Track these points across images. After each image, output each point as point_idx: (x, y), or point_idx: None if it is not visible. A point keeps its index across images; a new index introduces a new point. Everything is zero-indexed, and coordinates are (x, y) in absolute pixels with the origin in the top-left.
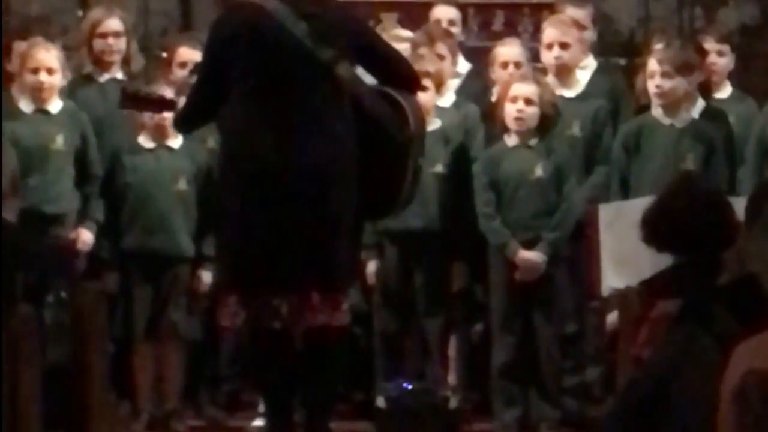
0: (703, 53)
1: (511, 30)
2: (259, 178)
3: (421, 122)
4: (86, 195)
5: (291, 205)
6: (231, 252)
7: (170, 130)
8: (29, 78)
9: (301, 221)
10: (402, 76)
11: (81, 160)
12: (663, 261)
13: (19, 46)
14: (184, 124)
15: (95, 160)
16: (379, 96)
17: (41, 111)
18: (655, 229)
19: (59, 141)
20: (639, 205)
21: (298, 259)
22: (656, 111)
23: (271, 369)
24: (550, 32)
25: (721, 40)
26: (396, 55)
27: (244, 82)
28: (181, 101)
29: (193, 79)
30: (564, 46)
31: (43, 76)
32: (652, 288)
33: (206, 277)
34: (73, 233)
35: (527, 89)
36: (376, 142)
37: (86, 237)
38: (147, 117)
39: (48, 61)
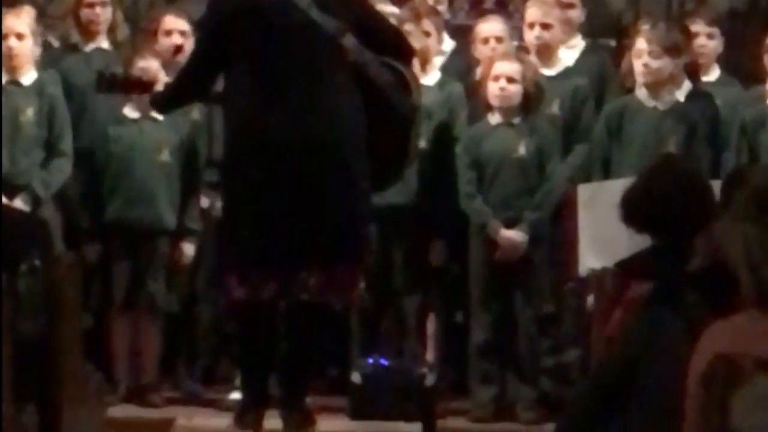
0: (689, 35)
1: (501, 9)
2: (269, 153)
3: (419, 92)
4: (45, 168)
5: (303, 179)
6: (236, 228)
7: None
8: None
9: (315, 195)
10: (397, 48)
11: (50, 134)
12: (640, 242)
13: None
14: (166, 104)
15: (64, 136)
16: (383, 66)
17: (13, 82)
18: (635, 210)
19: (29, 113)
20: (617, 185)
21: (305, 234)
22: (640, 92)
23: (251, 342)
24: (532, 12)
25: (711, 23)
26: (391, 26)
27: (249, 57)
28: (160, 80)
29: (178, 56)
30: (545, 26)
31: (12, 42)
32: (627, 269)
33: (188, 249)
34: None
35: (510, 67)
36: (381, 112)
37: (17, 205)
38: None
39: (18, 26)
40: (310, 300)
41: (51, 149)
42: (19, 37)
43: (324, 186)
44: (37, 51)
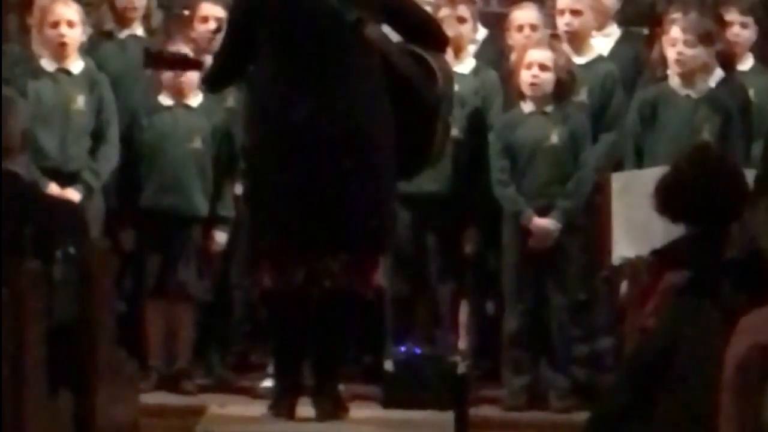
0: (723, 24)
1: None
2: (290, 138)
3: (449, 81)
4: (94, 156)
5: (326, 166)
6: (268, 215)
7: (190, 88)
8: (50, 32)
9: (337, 182)
10: (430, 36)
11: (97, 123)
12: (674, 231)
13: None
14: (214, 83)
15: (111, 124)
16: (408, 55)
17: (63, 70)
18: (669, 199)
19: (80, 102)
20: (651, 174)
21: (332, 221)
22: (673, 80)
23: (285, 330)
24: None
25: (745, 12)
26: (424, 14)
27: (273, 42)
28: (206, 59)
29: (216, 37)
30: (575, 13)
31: (63, 29)
32: (662, 258)
33: (220, 237)
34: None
35: (542, 55)
36: (406, 101)
37: (71, 195)
38: (167, 75)
39: (68, 14)
40: (332, 287)
41: (98, 137)
42: (70, 24)
43: (346, 173)
44: (84, 39)
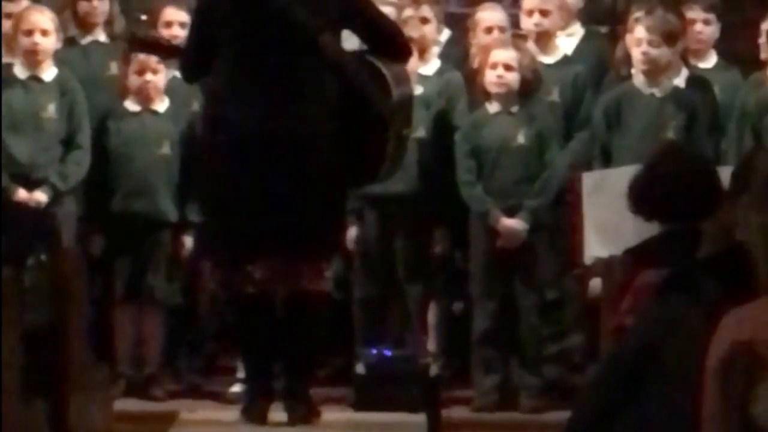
0: (686, 21)
1: None
2: (238, 142)
3: (407, 91)
4: (63, 161)
5: (271, 171)
6: (212, 216)
7: (157, 93)
8: (23, 40)
9: (281, 187)
10: (392, 44)
11: (69, 129)
12: (647, 230)
13: (8, 7)
14: (187, 78)
15: (83, 130)
16: (363, 65)
17: (35, 78)
18: (643, 198)
19: (50, 110)
20: (623, 173)
21: (278, 225)
22: (638, 79)
23: (252, 334)
24: None
25: (707, 9)
26: (386, 21)
27: (230, 45)
28: None
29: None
30: (544, 13)
31: (37, 38)
32: (636, 257)
33: (188, 241)
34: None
35: (507, 55)
36: (359, 110)
37: (38, 197)
38: (134, 80)
39: (42, 22)
40: (280, 291)
41: (69, 143)
42: (44, 33)
43: (292, 179)
44: (58, 45)
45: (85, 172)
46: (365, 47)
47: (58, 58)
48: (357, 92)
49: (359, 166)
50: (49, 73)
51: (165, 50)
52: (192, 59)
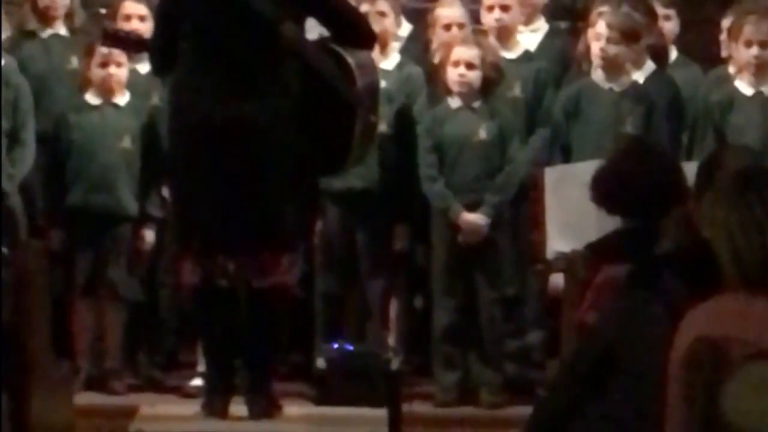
0: (654, 17)
1: None
2: (200, 134)
3: (372, 79)
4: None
5: (232, 163)
6: (177, 209)
7: (119, 86)
8: None
9: (243, 180)
10: (356, 32)
11: (13, 124)
12: (608, 225)
13: None
14: (157, 72)
15: (27, 126)
16: (326, 54)
17: None
18: (606, 192)
19: None
20: (585, 168)
21: (241, 217)
22: (596, 74)
23: (213, 329)
24: None
25: (668, 4)
26: (350, 9)
27: (191, 37)
28: None
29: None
30: (505, 8)
31: None
32: (598, 252)
33: (149, 236)
34: None
35: (469, 53)
36: (324, 99)
37: None
38: (97, 73)
39: None
40: (241, 285)
41: (13, 139)
42: None
43: (255, 170)
44: (3, 37)
45: (29, 168)
46: (329, 36)
47: (18, 51)
48: (321, 81)
49: (326, 155)
50: None
51: (137, 45)
52: (158, 53)
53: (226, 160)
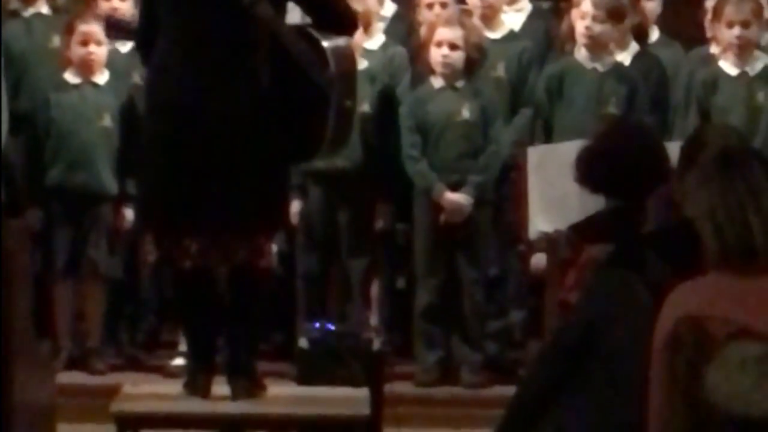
0: None
1: None
2: (175, 117)
3: (349, 63)
4: None
5: (207, 146)
6: (150, 190)
7: (99, 65)
8: None
9: (217, 162)
10: (337, 16)
11: None
12: (592, 205)
13: None
14: (143, 49)
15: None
16: (300, 37)
17: None
18: (590, 170)
19: None
20: (568, 148)
21: (214, 200)
22: (580, 54)
23: (194, 308)
24: None
25: None
26: None
27: (168, 19)
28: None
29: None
30: None
31: None
32: (581, 232)
33: (129, 214)
34: None
35: (452, 34)
36: (298, 83)
37: None
38: (78, 52)
39: None
40: (232, 267)
41: None
42: None
43: (229, 153)
44: None
45: (3, 144)
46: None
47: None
48: (294, 65)
49: (300, 140)
50: None
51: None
52: (141, 37)
53: (201, 143)
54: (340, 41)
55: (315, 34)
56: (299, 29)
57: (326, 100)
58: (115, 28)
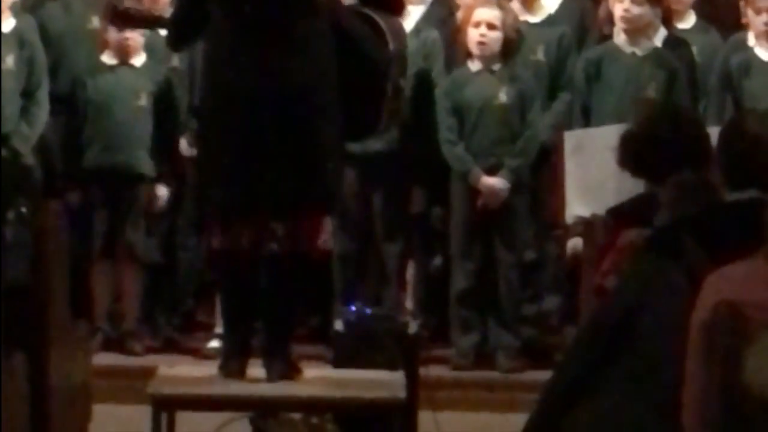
0: None
1: None
2: (242, 103)
3: (401, 44)
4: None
5: (275, 129)
6: (213, 175)
7: (135, 48)
8: None
9: (286, 145)
10: None
11: (28, 84)
12: (629, 189)
13: None
14: (174, 46)
15: (41, 85)
16: (358, 17)
17: None
18: (635, 153)
19: (9, 61)
20: (605, 132)
21: (277, 181)
22: (618, 38)
23: (234, 292)
24: None
25: None
26: None
27: (224, 7)
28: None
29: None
30: None
31: None
32: (618, 216)
33: (161, 191)
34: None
35: (490, 14)
36: (356, 63)
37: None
38: (114, 35)
39: None
40: (278, 249)
41: (28, 98)
42: None
43: (290, 135)
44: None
45: (42, 128)
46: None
47: (39, 11)
48: (354, 44)
49: (358, 119)
50: (6, 24)
51: (148, 21)
52: (180, 27)
53: (258, 123)
54: (393, 21)
55: (371, 13)
56: (356, 9)
57: (384, 78)
58: (122, 17)
